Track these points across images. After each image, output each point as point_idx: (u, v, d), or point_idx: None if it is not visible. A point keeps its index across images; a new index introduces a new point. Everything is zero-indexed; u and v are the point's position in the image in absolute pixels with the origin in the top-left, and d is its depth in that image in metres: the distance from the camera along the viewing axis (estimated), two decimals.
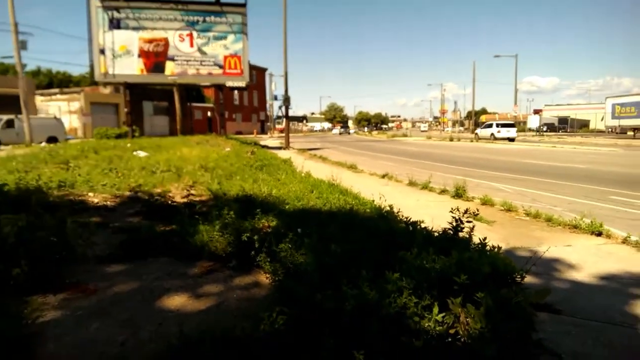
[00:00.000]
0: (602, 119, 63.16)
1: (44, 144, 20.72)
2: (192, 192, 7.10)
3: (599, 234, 5.67)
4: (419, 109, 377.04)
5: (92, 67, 23.64)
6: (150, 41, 23.98)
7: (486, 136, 40.28)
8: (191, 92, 37.41)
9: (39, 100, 36.29)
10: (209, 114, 52.83)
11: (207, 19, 24.50)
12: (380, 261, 3.66)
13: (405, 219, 5.67)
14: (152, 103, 40.42)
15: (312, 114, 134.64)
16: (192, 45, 24.42)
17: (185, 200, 6.36)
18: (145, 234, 4.61)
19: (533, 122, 71.30)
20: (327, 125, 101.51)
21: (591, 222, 5.88)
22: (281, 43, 25.53)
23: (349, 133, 79.10)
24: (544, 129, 63.88)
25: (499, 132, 39.08)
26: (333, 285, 3.12)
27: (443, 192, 9.30)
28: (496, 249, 3.82)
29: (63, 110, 35.67)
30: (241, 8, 24.94)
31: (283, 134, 65.54)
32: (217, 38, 24.65)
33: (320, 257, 3.66)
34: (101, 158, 12.40)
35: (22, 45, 23.84)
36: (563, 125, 69.85)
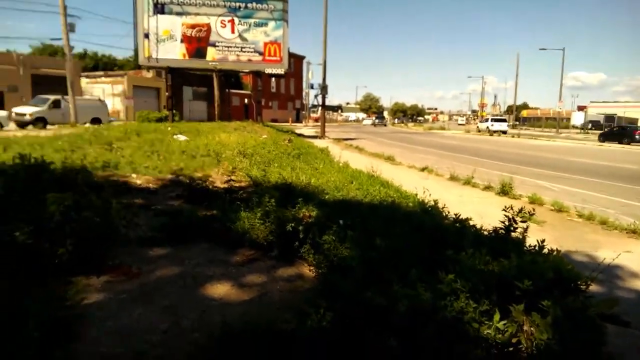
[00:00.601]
0: None
1: (88, 124, 21.35)
2: (233, 177, 7.07)
3: None
4: (456, 102, 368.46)
5: (136, 51, 24.09)
6: (193, 26, 24.18)
7: (483, 129, 45.51)
8: (230, 78, 37.73)
9: (84, 82, 37.44)
10: (245, 100, 53.22)
11: (249, 5, 24.46)
12: (428, 259, 3.49)
13: (452, 216, 5.47)
14: (192, 88, 40.99)
15: (347, 103, 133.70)
16: (233, 31, 24.48)
17: (225, 185, 6.32)
18: (187, 218, 4.57)
19: (577, 119, 68.52)
20: (361, 115, 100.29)
21: None
22: (318, 31, 25.27)
23: (385, 125, 70.60)
24: (589, 126, 61.23)
25: (492, 125, 43.50)
26: (380, 282, 2.98)
27: (487, 188, 8.96)
28: (555, 253, 3.59)
29: (107, 92, 36.67)
30: None
31: (318, 123, 65.43)
32: (257, 25, 24.61)
33: (365, 252, 3.51)
34: (143, 141, 12.60)
35: (70, 28, 24.50)
36: (609, 123, 66.74)
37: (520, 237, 4.24)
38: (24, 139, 11.34)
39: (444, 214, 5.49)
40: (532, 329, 2.37)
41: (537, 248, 3.81)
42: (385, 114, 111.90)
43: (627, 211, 7.57)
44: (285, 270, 3.55)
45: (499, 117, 48.64)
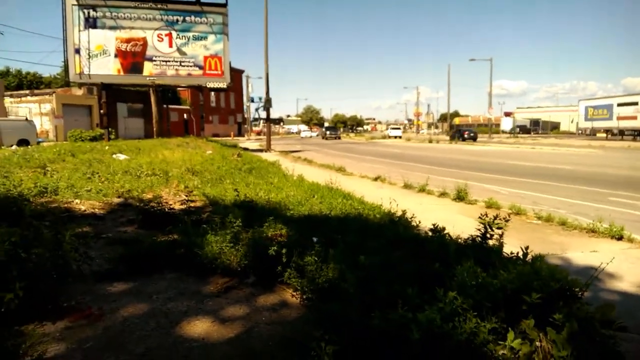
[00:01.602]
0: (572, 121, 64.88)
1: (15, 147, 19.68)
2: (186, 197, 6.63)
3: (620, 238, 5.49)
4: (393, 111, 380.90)
5: (66, 67, 22.67)
6: (127, 41, 23.13)
7: (385, 135, 62.50)
8: (167, 93, 36.45)
9: (8, 102, 34.71)
10: (185, 116, 51.71)
11: (187, 18, 23.81)
12: (419, 275, 3.33)
13: (422, 225, 5.38)
14: (127, 105, 39.24)
15: (288, 116, 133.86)
16: (171, 45, 23.68)
17: (182, 206, 5.89)
18: (147, 246, 4.15)
19: (506, 124, 72.72)
20: (303, 127, 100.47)
21: (610, 226, 5.69)
22: (257, 44, 25.11)
23: (339, 137, 56.77)
24: (517, 130, 65.13)
25: (390, 132, 62.10)
26: (379, 304, 2.77)
27: (443, 194, 9.06)
28: (539, 259, 3.56)
29: (34, 112, 34.16)
30: (222, 8, 24.35)
31: (260, 137, 64.93)
32: (197, 38, 23.97)
33: (352, 271, 3.30)
34: (80, 161, 11.72)
35: None
36: (535, 127, 71.39)
37: (498, 244, 4.21)
38: None
39: (414, 224, 5.43)
40: (548, 345, 2.26)
41: (519, 255, 3.79)
42: (326, 124, 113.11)
43: (576, 210, 7.90)
44: (266, 298, 3.25)
45: (395, 126, 71.51)
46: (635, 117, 38.77)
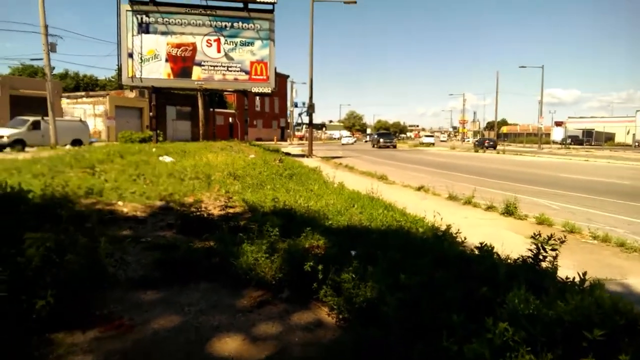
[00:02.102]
0: (628, 132, 61.39)
1: (68, 146, 20.65)
2: (226, 202, 6.61)
3: None
4: (437, 119, 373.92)
5: (119, 70, 23.59)
6: (178, 46, 23.81)
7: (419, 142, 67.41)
8: (214, 97, 37.30)
9: (65, 102, 36.61)
10: (230, 119, 52.81)
11: (235, 24, 24.24)
12: (465, 299, 3.09)
13: (468, 242, 5.09)
14: (175, 108, 40.46)
15: (330, 121, 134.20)
16: (219, 50, 24.16)
17: (221, 212, 5.86)
18: (183, 253, 4.10)
19: (557, 134, 69.69)
20: (345, 132, 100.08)
21: None
22: (301, 50, 25.17)
23: (394, 146, 48.00)
24: (569, 141, 62.34)
25: (423, 139, 70.14)
26: (421, 332, 2.57)
27: (490, 208, 8.64)
28: (598, 286, 3.23)
29: (88, 113, 35.87)
30: (268, 14, 24.63)
31: (303, 141, 65.23)
32: (244, 44, 24.36)
33: (392, 292, 3.10)
34: (127, 163, 12.06)
35: (51, 48, 23.92)
36: (588, 138, 68.11)
37: (551, 266, 3.90)
38: (0, 163, 10.71)
39: (459, 240, 5.14)
40: None
41: (576, 280, 3.47)
42: (369, 131, 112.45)
43: (635, 230, 7.33)
44: (300, 315, 3.10)
45: (428, 134, 79.49)
46: None
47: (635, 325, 2.42)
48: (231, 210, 6.13)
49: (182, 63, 24.06)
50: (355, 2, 25.94)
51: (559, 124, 76.22)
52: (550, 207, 9.61)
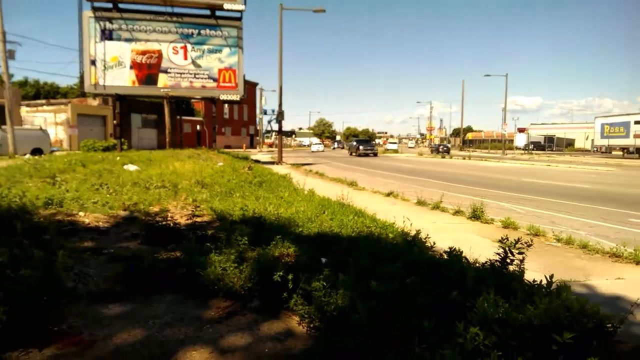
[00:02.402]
0: (586, 138, 63.95)
1: (28, 155, 19.82)
2: (194, 211, 6.45)
3: None
4: (405, 126, 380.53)
5: (82, 78, 22.94)
6: (143, 53, 23.34)
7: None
8: (180, 104, 36.66)
9: (24, 111, 35.23)
10: (197, 127, 52.03)
11: (202, 31, 23.97)
12: (435, 304, 3.08)
13: (437, 247, 5.13)
14: (141, 115, 39.56)
15: (300, 129, 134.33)
16: (186, 57, 23.82)
17: (188, 221, 5.70)
18: (147, 264, 3.95)
19: (520, 140, 71.92)
20: (315, 140, 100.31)
21: (635, 250, 5.38)
22: (270, 58, 25.12)
23: (375, 154, 45.29)
24: (531, 147, 64.39)
25: (388, 146, 72.79)
26: (391, 338, 2.53)
27: (457, 212, 8.77)
28: (564, 288, 3.30)
29: (49, 121, 34.61)
30: (237, 22, 24.48)
31: (272, 149, 64.79)
32: (211, 51, 24.10)
33: (363, 300, 3.07)
34: (90, 172, 11.67)
35: (9, 55, 22.98)
36: (549, 144, 70.55)
37: (518, 269, 3.95)
38: None
39: (429, 245, 5.18)
40: None
41: (542, 283, 3.54)
42: (338, 137, 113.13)
43: (597, 232, 7.57)
44: (270, 325, 3.02)
45: (392, 141, 79.43)
46: None
47: (602, 327, 2.47)
48: (198, 219, 5.98)
49: (148, 70, 23.60)
50: (324, 11, 26.11)
51: (521, 130, 78.80)
52: (515, 211, 9.83)
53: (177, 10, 24.05)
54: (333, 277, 3.34)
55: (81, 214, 6.37)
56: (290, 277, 3.11)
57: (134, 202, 7.47)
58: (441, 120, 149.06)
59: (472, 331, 2.40)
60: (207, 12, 24.12)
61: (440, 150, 53.10)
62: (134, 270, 3.83)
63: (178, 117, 31.59)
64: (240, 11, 23.92)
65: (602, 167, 26.89)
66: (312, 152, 57.05)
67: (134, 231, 5.53)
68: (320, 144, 70.11)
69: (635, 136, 39.70)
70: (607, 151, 46.26)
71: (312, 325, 2.95)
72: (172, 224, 5.35)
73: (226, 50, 24.28)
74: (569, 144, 72.93)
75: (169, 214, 6.44)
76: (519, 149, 66.68)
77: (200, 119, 52.70)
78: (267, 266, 3.57)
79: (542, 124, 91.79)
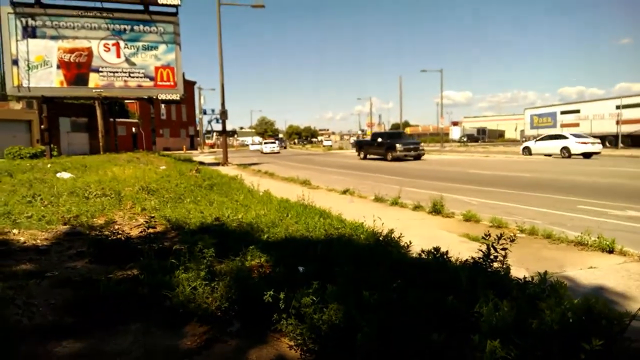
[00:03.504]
0: (516, 129, 67.71)
1: None
2: (145, 221, 5.88)
3: (611, 251, 5.29)
4: (346, 122, 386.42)
5: (3, 79, 20.97)
6: (71, 51, 21.69)
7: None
8: (114, 106, 34.68)
9: None
10: (133, 129, 49.58)
11: (136, 27, 22.66)
12: (436, 313, 2.86)
13: (410, 245, 4.96)
14: (70, 119, 37.02)
15: (242, 128, 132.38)
16: (119, 55, 22.44)
17: (141, 233, 5.16)
18: (103, 287, 3.45)
19: (455, 133, 75.04)
20: (257, 139, 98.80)
21: (599, 238, 5.49)
22: (209, 55, 24.31)
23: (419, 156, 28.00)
24: (465, 139, 67.25)
25: (325, 143, 69.89)
26: (399, 357, 2.27)
27: (417, 208, 8.73)
28: (560, 284, 3.20)
29: None
30: (172, 17, 23.41)
31: (214, 149, 63.02)
32: (147, 48, 22.86)
33: (359, 313, 2.78)
34: (19, 182, 10.57)
35: None
36: (482, 136, 74.08)
37: (503, 266, 3.84)
38: None
39: (404, 245, 4.99)
40: None
41: (528, 279, 3.45)
42: (281, 136, 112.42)
43: (552, 220, 7.77)
44: (259, 352, 2.66)
45: (328, 139, 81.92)
46: (577, 124, 40.78)
47: (624, 332, 2.34)
48: (152, 231, 5.44)
49: (77, 69, 22.03)
50: (263, 7, 25.56)
51: (455, 123, 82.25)
52: (469, 203, 9.96)
53: (107, 5, 22.63)
54: (321, 289, 3.03)
55: (14, 231, 5.61)
56: (282, 295, 2.76)
57: (75, 214, 6.75)
58: (380, 116, 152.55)
59: (491, 345, 2.18)
60: (140, 7, 22.92)
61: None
62: (88, 295, 3.33)
63: (112, 119, 29.81)
64: (176, 6, 22.91)
65: (535, 156, 28.36)
66: (263, 153, 48.41)
67: (80, 248, 4.92)
68: (273, 142, 56.35)
69: (562, 126, 42.42)
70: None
71: (306, 348, 2.62)
72: (123, 238, 4.80)
73: (162, 47, 23.17)
74: (500, 135, 76.95)
75: (117, 226, 5.84)
76: (455, 141, 69.44)
77: (135, 120, 50.25)
78: (243, 281, 3.21)
79: (475, 116, 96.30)
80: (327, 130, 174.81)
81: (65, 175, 12.83)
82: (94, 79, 22.41)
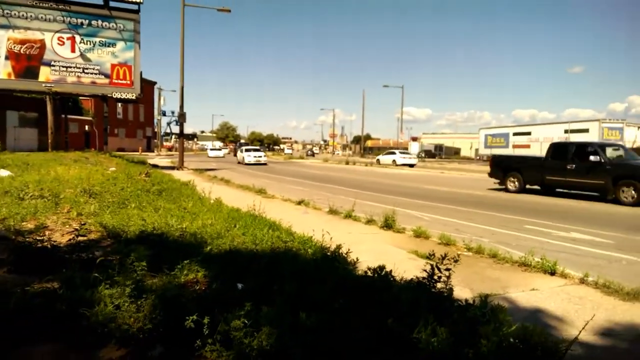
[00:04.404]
0: (471, 147, 69.97)
1: None
2: (79, 227, 5.48)
3: (553, 273, 5.37)
4: (309, 132, 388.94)
5: None
6: (22, 42, 20.56)
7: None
8: (67, 102, 33.14)
9: None
10: (86, 127, 47.57)
11: (94, 22, 21.79)
12: (373, 338, 2.72)
13: (357, 261, 4.84)
14: (18, 113, 35.06)
15: (202, 132, 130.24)
16: (73, 50, 21.47)
17: (71, 241, 4.77)
18: (15, 302, 3.11)
19: (414, 148, 76.77)
20: (218, 144, 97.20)
21: (542, 259, 5.58)
22: (171, 55, 23.71)
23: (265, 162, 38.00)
24: (423, 155, 68.83)
25: (286, 151, 78.97)
26: None
27: (370, 222, 8.68)
28: (499, 307, 3.15)
29: None
30: (133, 14, 22.69)
31: (172, 153, 61.42)
32: (104, 44, 22.00)
33: (294, 337, 2.61)
34: None
35: None
36: (439, 152, 76.03)
37: (446, 287, 3.77)
38: None
39: (351, 260, 4.87)
40: None
41: (470, 302, 3.39)
42: (242, 141, 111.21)
43: (499, 239, 7.89)
44: None
45: (289, 148, 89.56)
46: (528, 146, 42.54)
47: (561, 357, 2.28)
48: (84, 238, 5.06)
49: (27, 62, 20.93)
50: (229, 11, 25.25)
51: (414, 139, 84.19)
52: (422, 219, 10.02)
53: None
54: (255, 311, 2.84)
55: None
56: (206, 320, 2.54)
57: (3, 216, 6.23)
58: (342, 128, 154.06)
59: None
60: (99, 1, 22.03)
61: (308, 154, 75.25)
62: None
63: (63, 115, 28.44)
64: (138, 3, 22.24)
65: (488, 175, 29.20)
66: (209, 157, 49.00)
67: (1, 256, 4.49)
68: (219, 149, 57.27)
69: (514, 146, 44.12)
70: (489, 159, 50.93)
71: None
72: (49, 246, 4.43)
73: (121, 45, 22.38)
74: (456, 152, 79.26)
75: (47, 232, 5.42)
76: None
77: (89, 118, 48.30)
78: (171, 301, 2.96)
79: (433, 133, 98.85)
80: (290, 138, 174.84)
81: (3, 173, 12.01)
82: (44, 73, 21.34)
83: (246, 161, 35.87)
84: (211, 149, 54.86)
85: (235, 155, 51.32)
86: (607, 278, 4.97)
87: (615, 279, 4.97)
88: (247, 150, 38.02)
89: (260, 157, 37.09)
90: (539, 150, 40.38)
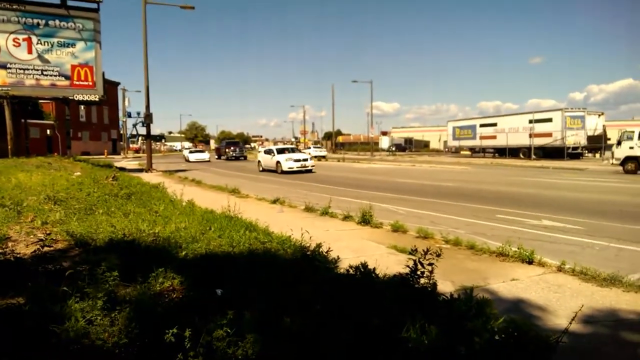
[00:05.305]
0: (439, 140, 71.12)
1: None
2: (44, 236, 5.20)
3: (530, 262, 5.44)
4: (280, 129, 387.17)
5: None
6: None
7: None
8: (26, 106, 31.85)
9: None
10: (48, 132, 45.87)
11: (51, 22, 20.90)
12: (360, 340, 2.65)
13: (337, 259, 4.76)
14: None
15: (170, 132, 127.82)
16: (30, 51, 20.55)
17: (36, 252, 4.51)
18: None
19: (384, 142, 77.48)
20: (187, 144, 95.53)
21: (519, 249, 5.64)
22: (135, 55, 23.07)
23: (245, 156, 46.68)
24: (393, 149, 69.52)
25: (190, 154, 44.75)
26: None
27: (347, 218, 8.63)
28: (483, 300, 3.13)
29: None
30: (92, 13, 21.90)
31: (139, 155, 59.95)
32: (63, 45, 21.14)
33: (278, 345, 2.50)
34: None
35: None
36: (409, 146, 76.90)
37: (429, 282, 3.73)
38: None
39: (331, 259, 4.79)
40: None
41: (460, 297, 3.35)
42: (212, 142, 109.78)
43: (474, 230, 7.98)
44: None
45: (197, 150, 53.25)
46: (494, 137, 43.46)
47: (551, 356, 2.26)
48: (50, 249, 4.80)
49: None
50: (193, 8, 24.70)
51: (384, 133, 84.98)
52: (397, 213, 10.05)
53: None
54: (237, 318, 2.72)
55: None
56: (187, 333, 2.40)
57: None
58: (313, 124, 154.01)
59: None
60: (57, 0, 21.17)
61: (237, 154, 66.49)
62: None
63: (23, 120, 27.29)
64: (97, 2, 21.47)
65: (457, 166, 29.75)
66: (190, 162, 40.80)
67: None
68: (202, 151, 48.66)
69: (481, 138, 45.01)
70: (457, 151, 51.84)
71: None
72: (12, 258, 4.16)
73: (81, 45, 21.59)
74: (425, 145, 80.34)
75: (10, 243, 5.11)
76: (384, 150, 71.49)
77: (51, 122, 46.61)
78: (147, 312, 2.80)
79: (402, 127, 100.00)
80: (261, 137, 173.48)
81: None
82: (0, 76, 20.37)
83: (285, 168, 24.36)
84: (191, 152, 46.25)
85: (218, 157, 47.42)
86: (583, 265, 5.05)
87: (591, 265, 5.06)
88: (280, 152, 26.16)
89: (306, 160, 25.29)
90: (505, 140, 41.36)
